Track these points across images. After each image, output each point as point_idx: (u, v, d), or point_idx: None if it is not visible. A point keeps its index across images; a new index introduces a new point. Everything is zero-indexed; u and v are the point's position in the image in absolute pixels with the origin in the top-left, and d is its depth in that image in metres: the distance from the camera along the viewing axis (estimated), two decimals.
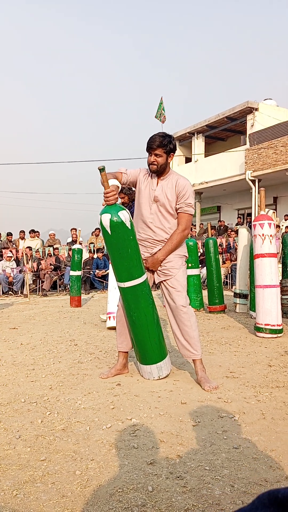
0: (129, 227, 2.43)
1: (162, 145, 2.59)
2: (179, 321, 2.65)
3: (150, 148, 2.61)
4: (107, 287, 9.76)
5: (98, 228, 12.22)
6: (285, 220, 12.31)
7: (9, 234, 11.39)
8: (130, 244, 2.45)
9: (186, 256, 2.80)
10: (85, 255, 9.98)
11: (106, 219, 2.39)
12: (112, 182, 2.53)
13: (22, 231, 11.69)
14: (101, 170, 2.38)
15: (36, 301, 8.18)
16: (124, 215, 2.40)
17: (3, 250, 10.42)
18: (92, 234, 12.29)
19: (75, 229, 10.88)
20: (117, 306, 2.84)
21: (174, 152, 2.69)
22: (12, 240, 11.40)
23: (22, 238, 11.53)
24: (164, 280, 2.70)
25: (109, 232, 2.40)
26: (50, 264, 10.02)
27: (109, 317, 4.56)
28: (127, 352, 2.86)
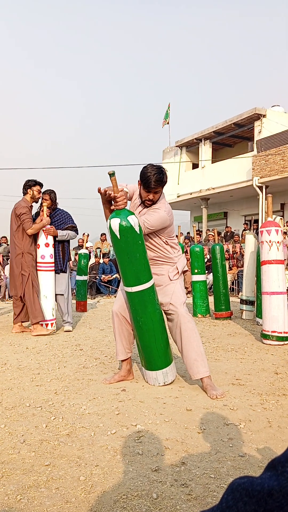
0: (138, 232, 2.44)
1: (161, 184, 2.57)
2: (183, 339, 2.60)
3: (149, 188, 2.57)
4: (113, 292, 9.82)
5: (104, 234, 12.19)
6: None
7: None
8: (138, 248, 2.46)
9: (187, 270, 2.83)
10: (91, 259, 9.96)
11: (116, 223, 2.40)
12: (121, 187, 2.54)
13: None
14: (111, 175, 2.39)
15: None
16: (133, 219, 2.41)
17: (10, 255, 10.36)
18: (100, 239, 12.23)
19: (83, 233, 10.82)
20: (112, 311, 2.82)
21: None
22: None
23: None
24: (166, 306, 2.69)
25: (118, 236, 2.41)
26: None
27: (41, 324, 4.71)
28: (130, 358, 2.85)
